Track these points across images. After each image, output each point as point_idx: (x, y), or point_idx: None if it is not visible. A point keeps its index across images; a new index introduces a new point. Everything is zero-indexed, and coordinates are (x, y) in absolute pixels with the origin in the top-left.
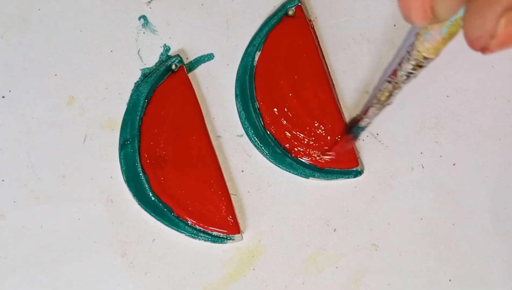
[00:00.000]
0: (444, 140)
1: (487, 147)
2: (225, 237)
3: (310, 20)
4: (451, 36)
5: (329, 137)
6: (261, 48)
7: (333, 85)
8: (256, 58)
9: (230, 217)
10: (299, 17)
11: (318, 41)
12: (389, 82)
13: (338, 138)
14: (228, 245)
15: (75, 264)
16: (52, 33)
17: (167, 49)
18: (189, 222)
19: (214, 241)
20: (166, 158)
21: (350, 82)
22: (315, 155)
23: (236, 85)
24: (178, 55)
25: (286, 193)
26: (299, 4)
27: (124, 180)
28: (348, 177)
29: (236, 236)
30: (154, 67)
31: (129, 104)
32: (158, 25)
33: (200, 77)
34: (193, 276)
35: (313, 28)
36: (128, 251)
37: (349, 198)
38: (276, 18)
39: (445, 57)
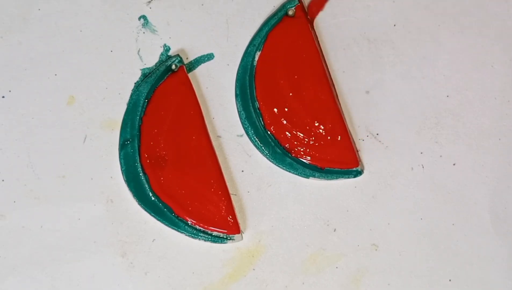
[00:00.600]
0: (444, 140)
1: (487, 147)
2: (225, 237)
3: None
4: None
5: (329, 137)
6: (261, 48)
7: (333, 85)
8: (256, 58)
9: (230, 217)
10: (299, 17)
11: (318, 41)
12: None
13: (338, 138)
14: (228, 245)
15: (75, 264)
16: (52, 33)
17: (167, 49)
18: (189, 222)
19: (214, 241)
20: (166, 158)
21: (350, 82)
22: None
23: (236, 85)
24: (178, 55)
25: (286, 193)
26: (299, 4)
27: (124, 180)
28: (348, 177)
29: (236, 236)
30: (154, 67)
31: (129, 104)
32: (158, 25)
33: (200, 77)
34: (193, 276)
35: (313, 28)
36: (128, 251)
37: (349, 198)
38: (276, 18)
39: (445, 57)
